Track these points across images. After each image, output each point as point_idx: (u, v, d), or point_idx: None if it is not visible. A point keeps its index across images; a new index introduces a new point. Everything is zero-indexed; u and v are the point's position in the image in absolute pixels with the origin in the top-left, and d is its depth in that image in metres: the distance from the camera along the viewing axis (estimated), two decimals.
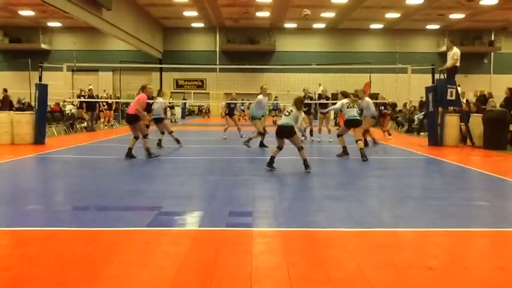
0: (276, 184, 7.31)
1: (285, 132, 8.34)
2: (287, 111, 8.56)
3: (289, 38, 38.02)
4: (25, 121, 13.36)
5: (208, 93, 37.18)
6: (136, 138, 10.17)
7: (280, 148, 8.48)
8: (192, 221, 5.15)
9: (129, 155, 10.04)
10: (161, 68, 36.34)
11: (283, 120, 8.49)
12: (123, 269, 3.53)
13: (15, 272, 3.45)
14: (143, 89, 10.39)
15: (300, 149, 8.39)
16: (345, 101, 10.64)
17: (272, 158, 8.42)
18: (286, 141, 8.45)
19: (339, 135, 10.82)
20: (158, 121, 12.52)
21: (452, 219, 5.20)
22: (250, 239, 4.28)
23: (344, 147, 10.61)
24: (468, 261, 3.83)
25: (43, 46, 36.67)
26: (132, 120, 10.12)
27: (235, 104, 16.94)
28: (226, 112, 15.95)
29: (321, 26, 36.66)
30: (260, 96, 12.63)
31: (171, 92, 35.91)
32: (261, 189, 6.80)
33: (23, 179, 8.17)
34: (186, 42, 38.21)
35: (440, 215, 5.36)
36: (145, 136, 10.13)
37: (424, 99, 16.16)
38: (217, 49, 38.20)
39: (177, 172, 8.71)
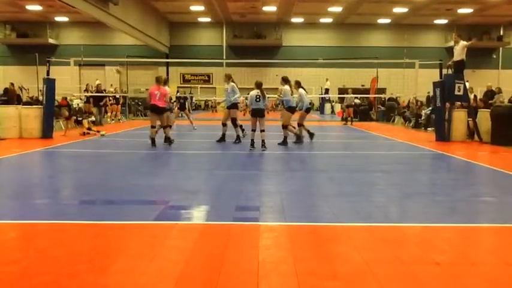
0: (283, 179, 7.31)
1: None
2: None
3: (296, 32, 37.87)
4: (33, 115, 13.45)
5: (215, 87, 37.18)
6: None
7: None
8: (199, 215, 5.17)
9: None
10: (168, 62, 36.36)
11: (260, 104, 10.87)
12: (130, 263, 3.56)
13: (25, 265, 3.48)
14: None
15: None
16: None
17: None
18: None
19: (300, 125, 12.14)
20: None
21: (460, 215, 5.18)
22: (257, 233, 4.29)
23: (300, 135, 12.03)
24: (476, 257, 3.82)
25: (50, 41, 36.76)
26: None
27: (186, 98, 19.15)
28: (178, 106, 17.69)
29: (328, 20, 36.49)
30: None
31: (178, 87, 35.96)
32: (268, 184, 6.81)
33: (31, 173, 8.22)
34: (193, 37, 38.17)
35: (448, 210, 5.35)
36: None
37: (431, 94, 16.08)
38: (224, 44, 38.14)
39: (184, 167, 8.73)
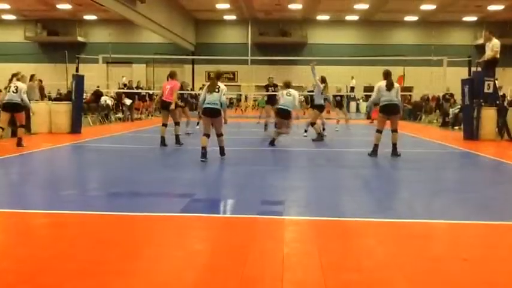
0: (308, 174, 7.31)
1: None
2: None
3: (321, 30, 37.61)
4: (62, 111, 13.75)
5: (240, 85, 37.27)
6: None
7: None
8: (224, 208, 5.23)
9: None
10: (193, 60, 36.58)
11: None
12: (158, 251, 3.62)
13: (55, 252, 3.58)
14: None
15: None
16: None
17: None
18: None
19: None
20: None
21: (489, 213, 5.08)
22: (282, 226, 4.31)
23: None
24: (504, 254, 3.75)
25: (79, 39, 37.44)
26: None
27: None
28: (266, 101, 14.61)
29: (354, 18, 36.12)
30: None
31: (203, 85, 36.16)
32: (293, 179, 6.82)
33: (61, 166, 8.43)
34: (218, 34, 38.32)
35: (476, 208, 5.26)
36: None
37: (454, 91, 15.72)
38: (249, 42, 38.18)
39: (210, 161, 8.79)
